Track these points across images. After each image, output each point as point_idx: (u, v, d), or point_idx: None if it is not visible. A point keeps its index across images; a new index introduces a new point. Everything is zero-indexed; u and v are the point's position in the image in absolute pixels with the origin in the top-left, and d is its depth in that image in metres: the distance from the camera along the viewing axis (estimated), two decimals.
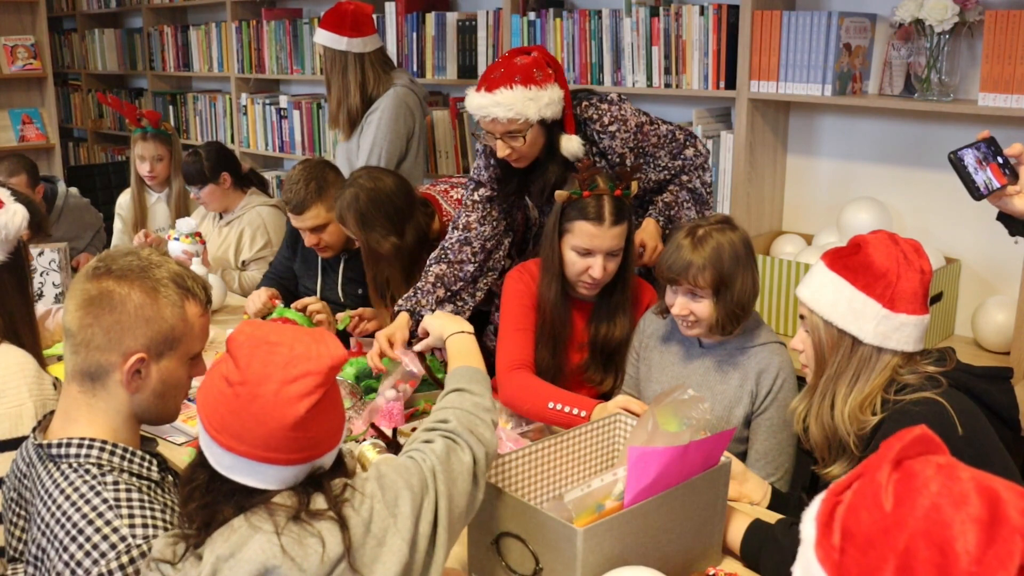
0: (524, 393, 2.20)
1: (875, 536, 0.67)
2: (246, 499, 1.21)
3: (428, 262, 2.58)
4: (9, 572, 1.49)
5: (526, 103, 2.28)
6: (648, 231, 2.45)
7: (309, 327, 1.76)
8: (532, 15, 3.49)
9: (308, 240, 2.92)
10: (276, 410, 1.17)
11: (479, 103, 2.32)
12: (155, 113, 3.89)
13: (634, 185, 2.24)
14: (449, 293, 2.55)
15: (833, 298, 1.67)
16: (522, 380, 2.23)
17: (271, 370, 1.18)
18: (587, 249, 2.21)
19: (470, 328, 1.82)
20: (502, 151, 2.37)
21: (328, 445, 1.24)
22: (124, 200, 4.05)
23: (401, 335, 2.39)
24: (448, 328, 1.80)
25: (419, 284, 2.54)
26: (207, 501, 1.22)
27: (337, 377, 1.27)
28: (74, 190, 4.10)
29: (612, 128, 2.42)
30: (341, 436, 1.27)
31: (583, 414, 2.06)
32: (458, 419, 1.46)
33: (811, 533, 0.73)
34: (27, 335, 1.91)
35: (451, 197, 2.89)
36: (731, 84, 2.99)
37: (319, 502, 1.22)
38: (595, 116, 2.43)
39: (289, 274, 3.16)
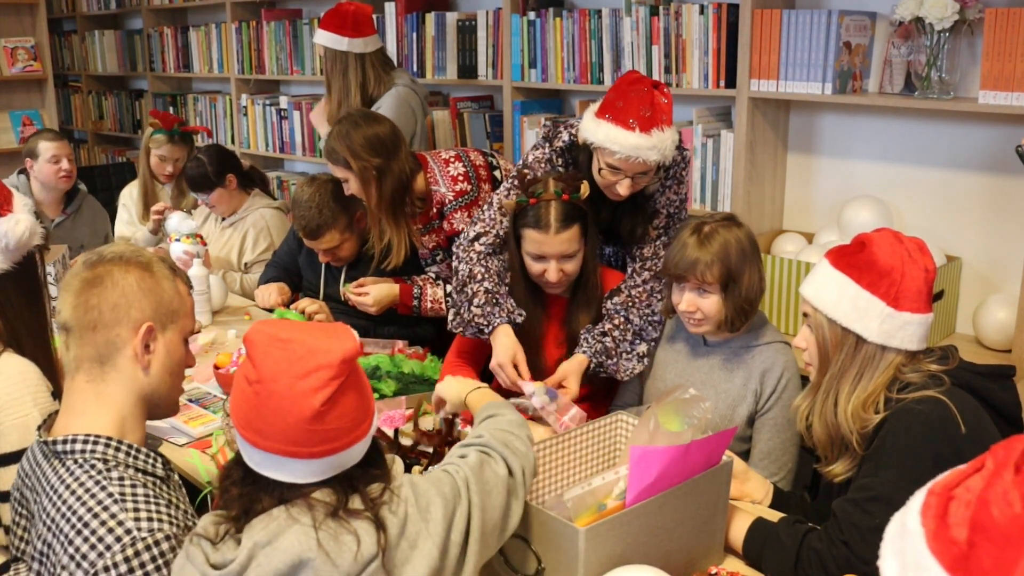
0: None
1: (1012, 533, 0.68)
2: (284, 492, 1.23)
3: (478, 275, 2.32)
4: (11, 572, 1.49)
5: (672, 146, 2.16)
6: (573, 368, 2.23)
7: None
8: (532, 15, 3.49)
9: (322, 257, 2.99)
10: (292, 405, 1.19)
11: (635, 143, 2.10)
12: (175, 117, 4.04)
13: (584, 187, 2.23)
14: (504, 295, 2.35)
15: (837, 296, 1.67)
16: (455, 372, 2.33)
17: (284, 366, 1.20)
18: (538, 255, 2.24)
19: (484, 385, 1.94)
20: (626, 189, 2.20)
21: (351, 437, 1.24)
22: (129, 191, 4.08)
23: (519, 350, 2.23)
24: (463, 389, 1.91)
25: (483, 300, 2.29)
26: (245, 491, 1.25)
27: None
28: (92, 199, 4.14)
29: (670, 183, 2.34)
30: (368, 428, 1.27)
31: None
32: (491, 434, 1.50)
33: (917, 527, 0.73)
34: (31, 346, 1.87)
35: (448, 172, 2.85)
36: (731, 83, 2.99)
37: (357, 502, 1.24)
38: (678, 159, 2.33)
39: (294, 267, 3.20)
